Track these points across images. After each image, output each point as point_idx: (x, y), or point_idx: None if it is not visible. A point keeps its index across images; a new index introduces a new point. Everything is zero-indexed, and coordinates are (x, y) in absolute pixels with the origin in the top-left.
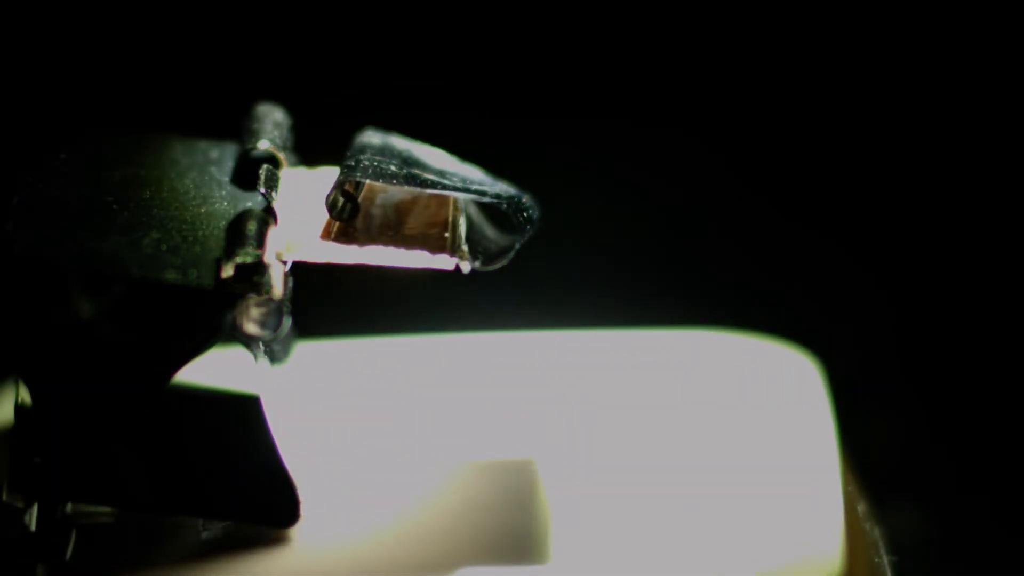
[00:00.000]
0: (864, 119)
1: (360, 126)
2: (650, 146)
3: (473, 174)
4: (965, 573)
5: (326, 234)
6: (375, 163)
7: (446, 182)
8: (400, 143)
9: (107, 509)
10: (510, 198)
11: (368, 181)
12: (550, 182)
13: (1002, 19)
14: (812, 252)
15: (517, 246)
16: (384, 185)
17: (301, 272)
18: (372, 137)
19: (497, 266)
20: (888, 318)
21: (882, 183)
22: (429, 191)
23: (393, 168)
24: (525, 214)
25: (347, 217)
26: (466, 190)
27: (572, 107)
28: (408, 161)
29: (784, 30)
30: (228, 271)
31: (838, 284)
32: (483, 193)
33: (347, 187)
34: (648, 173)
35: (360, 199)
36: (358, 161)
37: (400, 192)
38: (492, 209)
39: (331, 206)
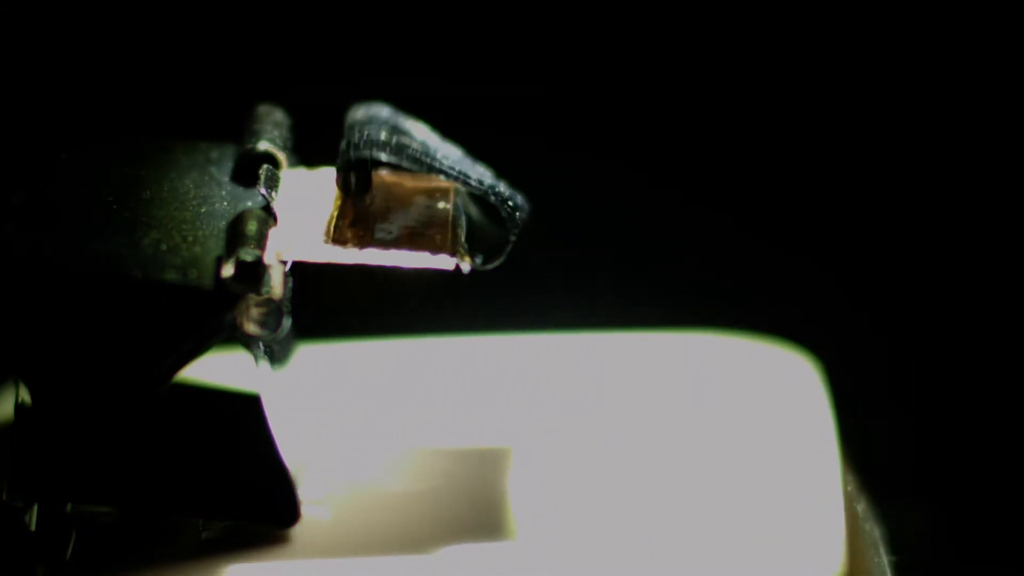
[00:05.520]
0: (866, 119)
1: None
2: (647, 144)
3: (454, 153)
4: (965, 573)
5: (328, 238)
6: (365, 134)
7: (432, 163)
8: (384, 111)
9: (107, 509)
10: (491, 187)
11: (364, 156)
12: (547, 182)
13: (976, 24)
14: (812, 252)
15: (511, 244)
16: (383, 180)
17: (301, 272)
18: (356, 112)
19: (492, 264)
20: (888, 318)
21: (881, 183)
22: (413, 167)
23: (383, 136)
24: (509, 204)
25: (357, 191)
26: (448, 171)
27: (568, 104)
28: (396, 129)
29: (785, 33)
30: (228, 271)
31: (838, 284)
32: (466, 177)
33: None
34: (646, 172)
35: (370, 172)
36: (349, 140)
37: (402, 192)
38: (484, 203)
39: (344, 186)
